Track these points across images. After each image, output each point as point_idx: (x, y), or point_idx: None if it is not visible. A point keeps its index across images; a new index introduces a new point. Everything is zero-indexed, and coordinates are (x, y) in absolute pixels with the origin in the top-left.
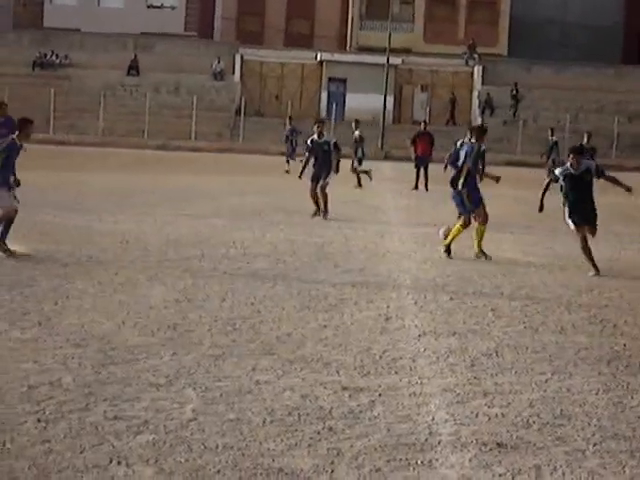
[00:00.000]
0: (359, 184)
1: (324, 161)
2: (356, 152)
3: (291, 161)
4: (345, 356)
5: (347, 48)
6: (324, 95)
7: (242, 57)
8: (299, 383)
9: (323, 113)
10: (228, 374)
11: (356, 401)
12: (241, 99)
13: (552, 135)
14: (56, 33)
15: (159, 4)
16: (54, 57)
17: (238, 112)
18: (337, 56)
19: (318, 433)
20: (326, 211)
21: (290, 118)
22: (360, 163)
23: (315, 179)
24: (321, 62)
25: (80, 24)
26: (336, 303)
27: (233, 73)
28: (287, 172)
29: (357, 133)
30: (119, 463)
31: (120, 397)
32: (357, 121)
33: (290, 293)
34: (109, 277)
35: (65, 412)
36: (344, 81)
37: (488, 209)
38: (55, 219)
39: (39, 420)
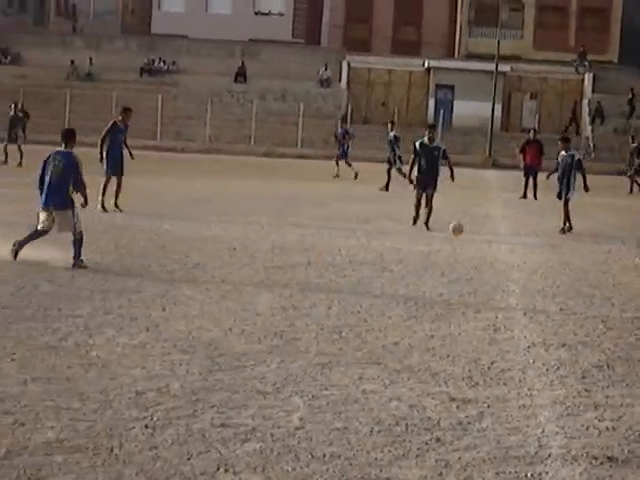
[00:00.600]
0: (386, 187)
1: (432, 166)
2: (394, 153)
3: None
4: (453, 367)
5: (455, 55)
6: (431, 102)
7: (349, 64)
8: (406, 393)
9: (430, 120)
10: (335, 383)
11: (464, 412)
12: (347, 106)
13: (633, 142)
14: (164, 40)
15: (267, 11)
16: (162, 63)
17: (344, 119)
18: (445, 63)
19: (426, 444)
20: (427, 219)
21: (392, 123)
22: (400, 162)
23: (422, 186)
24: (428, 69)
25: (188, 30)
26: (443, 313)
27: (340, 80)
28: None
29: (392, 134)
30: (226, 471)
31: (227, 404)
32: (392, 122)
33: (396, 302)
34: (216, 284)
35: (173, 418)
36: (452, 88)
37: (598, 219)
38: (163, 226)
39: (147, 426)
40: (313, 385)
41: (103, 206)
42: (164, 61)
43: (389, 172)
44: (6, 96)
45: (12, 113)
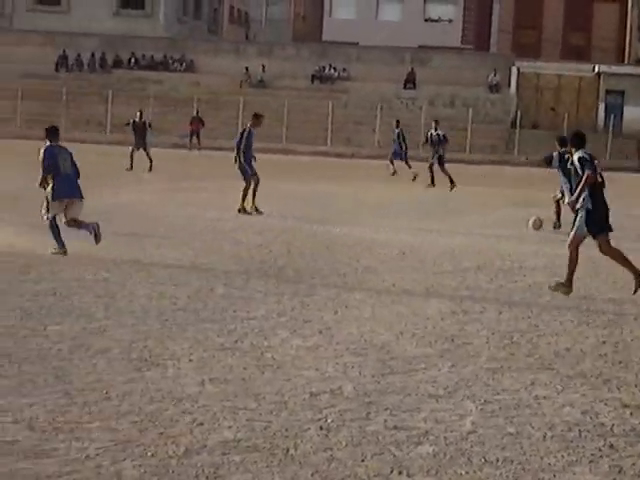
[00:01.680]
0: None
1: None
2: (437, 151)
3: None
4: (626, 373)
5: (625, 60)
6: (601, 107)
7: (518, 69)
8: (579, 399)
9: (600, 125)
10: (506, 387)
11: (637, 419)
12: (517, 111)
13: None
14: (334, 47)
15: (436, 17)
16: (332, 70)
17: (513, 124)
18: (615, 68)
19: (599, 450)
20: None
21: (436, 122)
22: (441, 163)
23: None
24: (598, 74)
25: (358, 37)
26: (614, 319)
27: (509, 85)
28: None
29: (435, 132)
30: (400, 473)
31: (400, 407)
32: (437, 121)
33: (567, 307)
34: (386, 288)
35: (346, 420)
36: (622, 93)
37: None
38: (334, 229)
39: (321, 428)
40: (485, 389)
41: (244, 209)
42: (334, 68)
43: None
44: (181, 104)
45: (137, 120)
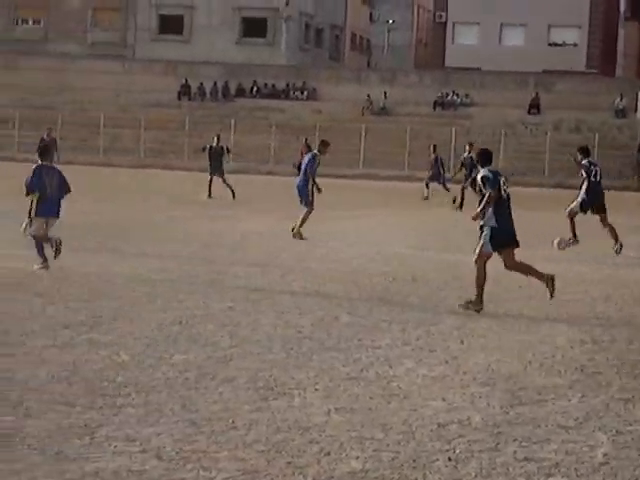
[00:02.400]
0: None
1: None
2: (470, 174)
3: None
4: None
5: None
6: None
7: None
8: None
9: None
10: (639, 418)
11: None
12: None
13: None
14: (457, 73)
15: (560, 42)
16: (454, 97)
17: None
18: None
19: None
20: None
21: (471, 145)
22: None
23: None
24: None
25: (480, 63)
26: None
27: (635, 110)
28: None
29: (467, 155)
30: None
31: (530, 438)
32: (471, 144)
33: None
34: (512, 316)
35: (475, 451)
36: None
37: None
38: (453, 257)
39: (450, 459)
40: (616, 420)
41: (300, 234)
42: (457, 94)
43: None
44: (303, 132)
45: (214, 145)
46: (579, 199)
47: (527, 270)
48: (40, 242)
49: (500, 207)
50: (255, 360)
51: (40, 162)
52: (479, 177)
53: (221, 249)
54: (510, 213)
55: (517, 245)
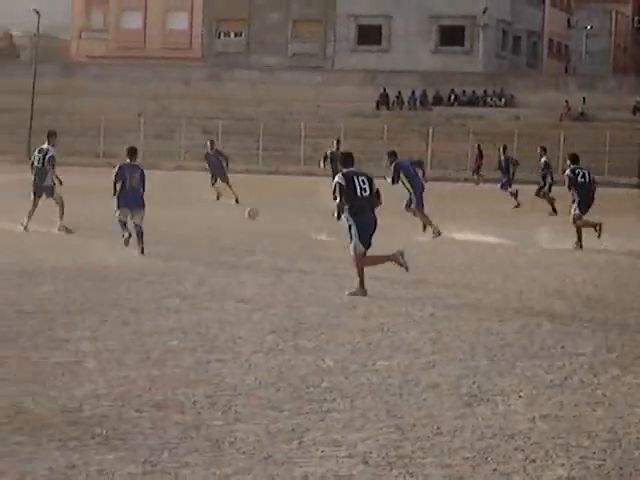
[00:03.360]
0: (554, 211)
1: None
2: (544, 179)
3: None
4: None
5: None
6: None
7: None
8: None
9: None
10: None
11: None
12: None
13: None
14: None
15: None
16: None
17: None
18: None
19: None
20: None
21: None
22: (550, 190)
23: None
24: None
25: None
26: None
27: None
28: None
29: (544, 160)
30: None
31: None
32: (543, 149)
33: None
34: None
35: None
36: None
37: None
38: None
39: None
40: None
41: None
42: None
43: (543, 195)
44: (500, 138)
45: (334, 150)
46: (575, 203)
47: (369, 263)
48: (123, 223)
49: (358, 208)
50: (458, 367)
51: (127, 161)
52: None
53: (421, 256)
54: (370, 214)
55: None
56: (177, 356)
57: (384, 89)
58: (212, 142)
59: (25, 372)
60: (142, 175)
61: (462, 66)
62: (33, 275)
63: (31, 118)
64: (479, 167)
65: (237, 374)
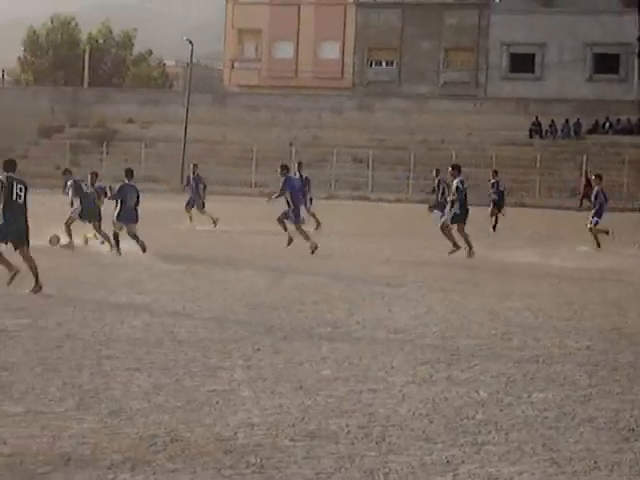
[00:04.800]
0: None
1: None
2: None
3: None
4: None
5: None
6: None
7: None
8: None
9: None
10: None
11: None
12: None
13: None
14: None
15: None
16: None
17: None
18: None
19: None
20: None
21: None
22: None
23: None
24: None
25: None
26: None
27: None
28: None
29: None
30: None
31: None
32: (598, 177)
33: None
34: None
35: None
36: None
37: None
38: None
39: None
40: None
41: None
42: None
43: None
44: None
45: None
46: (451, 214)
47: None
48: (117, 238)
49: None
50: (615, 400)
51: (126, 181)
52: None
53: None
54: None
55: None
56: (330, 385)
57: (537, 117)
58: (195, 166)
59: (180, 400)
60: (138, 195)
61: (617, 94)
62: (187, 304)
63: (184, 147)
64: (586, 195)
65: (390, 405)
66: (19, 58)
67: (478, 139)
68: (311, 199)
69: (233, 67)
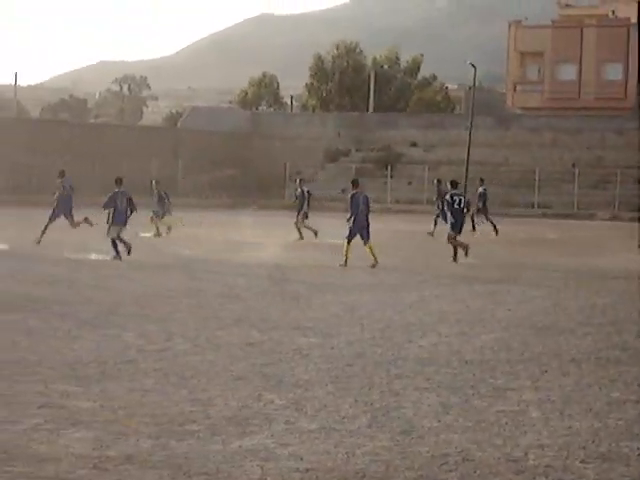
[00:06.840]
0: None
1: None
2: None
3: None
4: None
5: None
6: None
7: None
8: None
9: None
10: None
11: None
12: None
13: None
14: None
15: None
16: None
17: None
18: None
19: None
20: None
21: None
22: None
23: None
24: None
25: None
26: None
27: None
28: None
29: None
30: None
31: None
32: (481, 179)
33: None
34: None
35: None
36: None
37: None
38: None
39: None
40: None
41: None
42: None
43: None
44: None
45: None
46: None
47: None
48: (115, 242)
49: None
50: None
51: (117, 189)
52: None
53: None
54: None
55: None
56: (620, 408)
57: None
58: (156, 182)
59: (470, 420)
60: (130, 199)
61: None
62: (473, 324)
63: (466, 170)
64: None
65: None
66: (306, 85)
67: None
68: (306, 214)
69: (515, 90)
